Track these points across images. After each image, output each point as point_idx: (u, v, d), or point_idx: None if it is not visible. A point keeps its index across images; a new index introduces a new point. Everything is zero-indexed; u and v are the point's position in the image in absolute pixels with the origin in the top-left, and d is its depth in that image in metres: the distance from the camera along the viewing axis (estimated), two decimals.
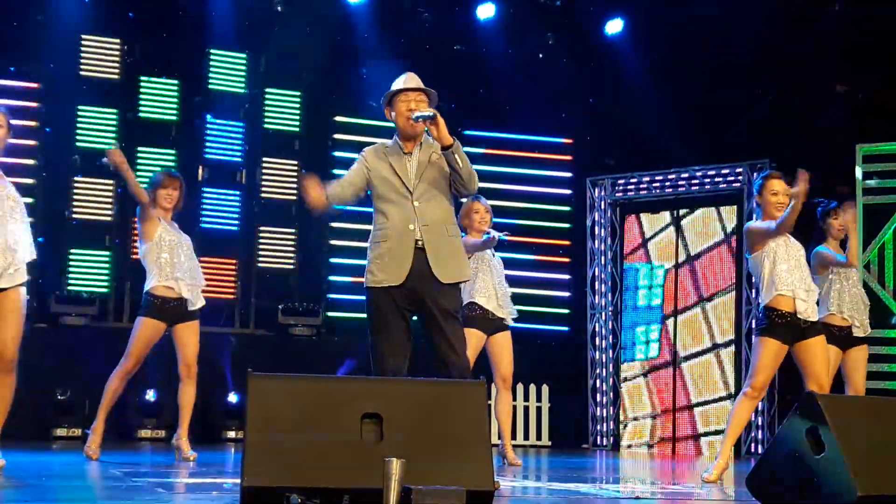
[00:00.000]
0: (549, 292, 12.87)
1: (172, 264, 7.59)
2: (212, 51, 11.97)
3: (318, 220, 12.25)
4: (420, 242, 5.26)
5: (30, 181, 11.06)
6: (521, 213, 12.22)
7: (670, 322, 12.14)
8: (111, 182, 11.47)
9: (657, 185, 12.39)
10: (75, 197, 11.38)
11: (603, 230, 12.73)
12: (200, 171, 11.89)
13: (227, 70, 12.07)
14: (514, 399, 12.33)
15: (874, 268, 10.83)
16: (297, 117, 12.30)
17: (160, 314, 7.57)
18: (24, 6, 11.22)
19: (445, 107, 12.80)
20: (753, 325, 11.43)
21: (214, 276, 11.64)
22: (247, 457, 4.11)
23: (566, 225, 13.13)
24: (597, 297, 12.71)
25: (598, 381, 12.62)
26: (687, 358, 12.04)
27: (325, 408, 4.26)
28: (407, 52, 12.42)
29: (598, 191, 12.75)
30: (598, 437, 12.54)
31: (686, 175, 12.17)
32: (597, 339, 12.68)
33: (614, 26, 12.81)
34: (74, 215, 11.37)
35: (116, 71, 11.63)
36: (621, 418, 12.35)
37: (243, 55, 12.10)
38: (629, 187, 12.60)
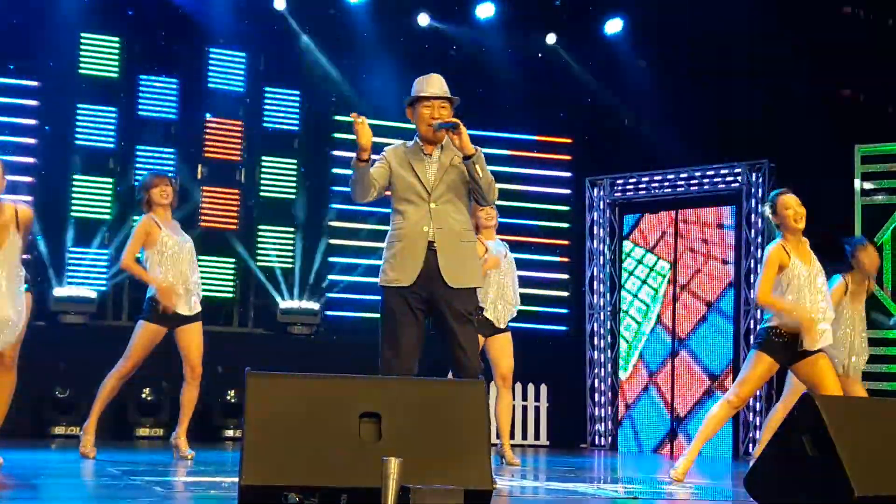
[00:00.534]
0: (547, 292, 12.86)
1: (173, 275, 7.53)
2: (211, 49, 11.97)
3: (320, 218, 12.29)
4: (433, 245, 5.25)
5: (29, 179, 11.06)
6: (520, 212, 12.21)
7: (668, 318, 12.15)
8: (110, 180, 11.48)
9: (656, 185, 12.40)
10: (74, 195, 11.37)
11: (602, 230, 12.74)
12: (199, 169, 11.88)
13: (226, 69, 12.06)
14: (513, 398, 12.33)
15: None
16: (296, 116, 12.30)
17: (161, 319, 7.55)
18: (24, 4, 11.21)
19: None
20: (752, 326, 11.46)
21: (213, 274, 11.64)
22: (245, 455, 4.11)
23: (565, 225, 13.13)
24: (595, 296, 12.72)
25: (596, 381, 12.63)
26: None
27: (324, 407, 4.26)
28: (406, 51, 12.43)
29: (597, 191, 12.76)
30: (597, 437, 12.54)
31: (685, 175, 12.17)
32: (595, 339, 12.69)
33: (614, 26, 12.81)
34: (73, 213, 11.36)
35: (116, 69, 11.63)
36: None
37: (242, 54, 12.10)
38: (628, 187, 12.60)
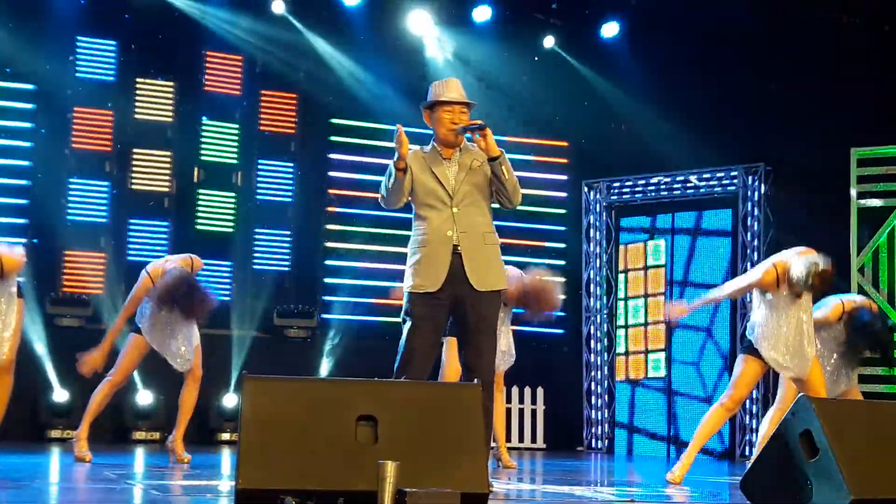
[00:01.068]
0: None
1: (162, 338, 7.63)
2: (207, 52, 11.97)
3: (316, 221, 12.29)
4: (458, 249, 5.24)
5: (24, 182, 11.05)
6: (516, 215, 12.21)
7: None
8: (106, 184, 11.47)
9: (652, 188, 12.41)
10: (70, 198, 11.37)
11: (598, 233, 12.74)
12: (196, 172, 11.88)
13: (222, 72, 12.06)
14: (509, 402, 12.34)
15: (868, 271, 10.86)
16: (293, 119, 12.30)
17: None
18: (20, 7, 11.20)
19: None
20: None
21: (210, 278, 11.63)
22: (241, 459, 4.11)
23: (561, 228, 13.13)
24: (592, 299, 12.72)
25: (592, 384, 12.63)
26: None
27: (320, 410, 4.26)
28: (402, 54, 12.43)
29: (594, 194, 12.77)
30: (593, 440, 12.54)
31: (681, 178, 12.18)
32: (591, 342, 12.69)
33: (611, 29, 12.82)
34: (69, 217, 11.35)
35: (112, 72, 11.63)
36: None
37: (239, 57, 12.10)
38: (624, 190, 12.61)
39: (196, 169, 11.89)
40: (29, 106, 11.26)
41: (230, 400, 11.06)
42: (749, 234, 11.56)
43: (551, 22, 12.88)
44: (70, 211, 11.36)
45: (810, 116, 11.14)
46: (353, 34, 12.37)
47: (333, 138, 12.42)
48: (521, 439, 12.40)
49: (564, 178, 13.15)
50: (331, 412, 4.24)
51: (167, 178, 11.67)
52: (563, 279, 13.09)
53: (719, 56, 11.75)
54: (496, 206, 5.46)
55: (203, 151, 11.92)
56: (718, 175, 11.94)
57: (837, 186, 10.95)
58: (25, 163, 11.18)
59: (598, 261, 12.71)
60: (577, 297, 12.89)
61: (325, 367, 11.81)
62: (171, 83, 11.84)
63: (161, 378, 7.96)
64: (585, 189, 12.81)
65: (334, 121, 12.45)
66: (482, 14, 12.61)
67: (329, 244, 12.31)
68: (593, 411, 12.58)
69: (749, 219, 11.60)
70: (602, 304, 12.67)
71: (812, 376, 7.02)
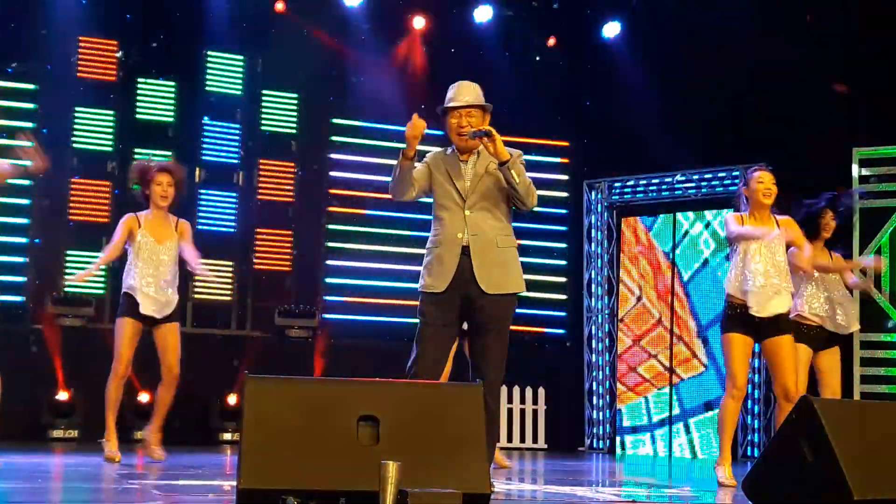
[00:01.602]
0: (545, 295, 12.86)
1: (146, 275, 7.65)
2: (209, 52, 11.97)
3: (317, 221, 12.29)
4: (468, 251, 5.25)
5: (26, 182, 11.04)
6: (517, 215, 12.19)
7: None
8: (108, 183, 11.47)
9: (654, 187, 12.40)
10: (72, 198, 11.37)
11: (599, 233, 12.74)
12: (197, 172, 11.87)
13: (224, 71, 12.06)
14: (511, 402, 12.34)
15: (870, 271, 10.84)
16: (294, 119, 12.31)
17: (135, 313, 7.67)
18: (22, 7, 11.20)
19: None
20: None
21: (211, 277, 11.63)
22: (243, 459, 4.11)
23: (563, 228, 13.13)
24: (593, 299, 12.72)
25: (594, 384, 12.62)
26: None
27: (322, 410, 4.26)
28: (404, 53, 12.43)
29: (595, 194, 12.76)
30: (595, 440, 12.54)
31: (682, 178, 12.18)
32: (593, 342, 12.69)
33: (611, 29, 12.82)
34: (71, 217, 11.36)
35: (113, 72, 11.63)
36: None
37: (240, 57, 12.10)
38: (626, 190, 12.61)
39: (197, 169, 11.89)
40: (31, 106, 11.26)
41: (231, 400, 11.05)
42: None
43: (552, 22, 12.87)
44: (72, 210, 11.36)
45: (812, 116, 11.12)
46: (355, 34, 12.37)
47: (335, 138, 12.43)
48: (522, 440, 12.40)
49: (565, 178, 13.15)
50: (332, 412, 4.24)
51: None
52: (564, 279, 13.13)
53: (720, 55, 11.74)
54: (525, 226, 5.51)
55: (204, 151, 11.92)
56: (720, 175, 11.94)
57: (838, 185, 10.93)
58: (27, 162, 11.16)
59: (599, 261, 12.70)
60: (578, 297, 12.89)
61: (326, 368, 11.80)
62: (172, 83, 11.84)
63: (158, 377, 7.95)
64: (587, 189, 12.80)
65: (336, 121, 12.45)
66: (483, 14, 12.61)
67: (330, 244, 12.30)
68: (594, 411, 12.57)
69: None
70: (604, 304, 12.66)
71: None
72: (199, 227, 11.62)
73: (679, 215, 12.24)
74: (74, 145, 11.43)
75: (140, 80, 11.73)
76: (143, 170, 7.92)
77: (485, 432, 4.46)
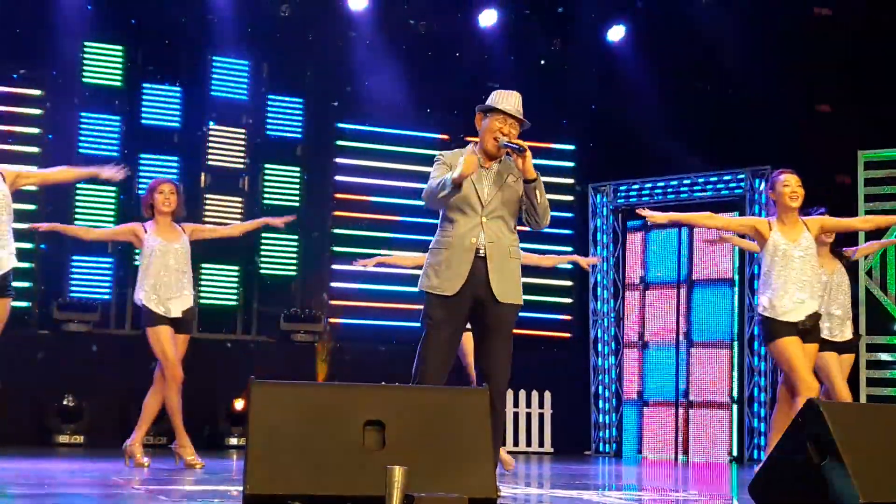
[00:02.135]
0: (551, 298, 12.86)
1: (155, 280, 7.68)
2: (214, 58, 11.99)
3: (323, 225, 12.30)
4: (483, 256, 5.24)
5: (32, 188, 11.05)
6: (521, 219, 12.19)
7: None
8: (113, 189, 11.48)
9: (659, 191, 12.40)
10: (77, 204, 11.38)
11: (605, 236, 12.74)
12: (203, 177, 11.89)
13: (229, 77, 12.08)
14: (517, 406, 12.33)
15: (876, 274, 10.85)
16: (300, 124, 12.32)
17: (160, 319, 7.67)
18: (28, 13, 11.22)
19: (449, 115, 12.78)
20: (756, 331, 11.45)
21: (217, 282, 11.65)
22: (249, 464, 4.11)
23: (568, 231, 13.12)
24: (599, 303, 12.71)
25: (600, 388, 12.61)
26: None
27: (327, 415, 4.26)
28: (409, 58, 12.44)
29: (601, 197, 12.76)
30: (601, 444, 12.53)
31: (688, 181, 12.17)
32: (599, 346, 12.68)
33: (616, 33, 12.82)
34: (76, 222, 11.35)
35: (119, 78, 11.65)
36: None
37: (245, 62, 12.11)
38: (631, 193, 12.61)
39: (203, 174, 11.90)
40: (37, 111, 11.28)
41: (238, 405, 11.06)
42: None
43: (557, 26, 12.87)
44: (77, 216, 11.36)
45: (817, 119, 11.12)
46: (360, 38, 12.38)
47: (340, 143, 12.44)
48: (528, 443, 12.39)
49: (571, 181, 13.15)
50: (338, 417, 4.24)
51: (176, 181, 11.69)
52: (570, 283, 13.13)
53: (725, 59, 11.74)
54: (522, 227, 5.48)
55: (210, 156, 11.93)
56: (725, 178, 11.93)
57: (845, 189, 10.94)
58: (33, 168, 11.18)
59: (605, 264, 12.69)
60: (584, 300, 12.89)
61: (331, 372, 11.80)
62: (177, 88, 11.86)
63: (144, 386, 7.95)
64: (592, 192, 12.80)
65: (341, 125, 12.46)
66: (488, 18, 12.61)
67: (336, 248, 12.31)
68: (601, 415, 12.56)
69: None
70: (609, 307, 12.66)
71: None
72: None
73: None
74: (80, 151, 11.45)
75: (145, 85, 11.75)
76: (149, 190, 8.00)
77: (491, 437, 4.46)
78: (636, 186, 12.53)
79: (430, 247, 5.40)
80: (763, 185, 11.53)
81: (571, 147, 13.21)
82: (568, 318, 13.14)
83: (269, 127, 12.21)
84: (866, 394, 10.59)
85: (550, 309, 12.83)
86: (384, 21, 12.36)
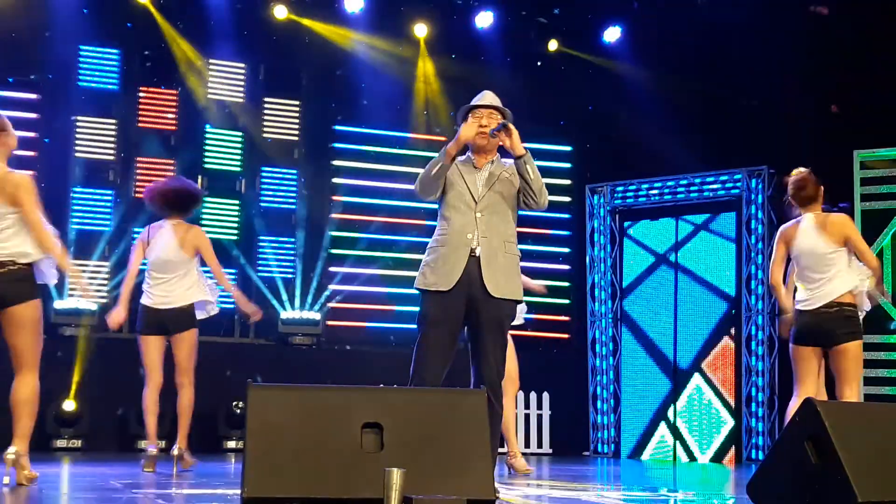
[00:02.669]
0: (548, 300, 12.84)
1: (159, 286, 7.70)
2: (210, 60, 11.99)
3: (321, 228, 12.29)
4: (476, 251, 5.27)
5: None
6: (520, 220, 12.18)
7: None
8: (110, 192, 11.48)
9: (656, 192, 12.41)
10: (74, 207, 11.38)
11: (602, 237, 12.74)
12: (200, 180, 11.88)
13: (225, 79, 12.08)
14: (515, 407, 12.31)
15: None
16: (297, 126, 12.32)
17: (150, 328, 7.69)
18: (23, 17, 11.21)
19: (447, 117, 12.77)
20: (753, 332, 11.46)
21: (214, 285, 11.63)
22: (247, 467, 4.11)
23: (566, 232, 13.13)
24: (597, 304, 12.71)
25: (598, 388, 12.62)
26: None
27: (325, 417, 4.26)
28: (406, 60, 12.45)
29: (598, 198, 12.77)
30: (599, 445, 12.53)
31: (685, 182, 12.18)
32: (597, 346, 12.68)
33: (613, 34, 12.83)
34: (73, 226, 11.37)
35: (115, 81, 11.65)
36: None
37: (242, 65, 12.11)
38: (628, 194, 12.61)
39: (199, 177, 11.89)
40: (32, 115, 11.27)
41: (236, 407, 11.05)
42: (753, 238, 11.55)
43: (553, 27, 12.88)
44: (74, 220, 11.37)
45: (813, 119, 11.13)
46: (356, 40, 12.38)
47: (337, 145, 12.44)
48: (527, 444, 12.39)
49: (568, 182, 13.16)
50: (336, 420, 4.24)
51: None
52: (567, 284, 13.13)
53: (721, 59, 11.75)
54: (522, 212, 5.51)
55: (206, 159, 11.93)
56: (722, 178, 11.94)
57: (840, 189, 10.94)
58: (29, 172, 11.16)
59: (602, 265, 12.70)
60: (582, 301, 12.89)
61: (329, 375, 11.79)
62: (174, 91, 11.86)
63: (166, 386, 7.94)
64: (589, 193, 12.81)
65: (338, 127, 12.47)
66: (484, 20, 12.62)
67: (334, 251, 12.31)
68: (599, 415, 12.57)
69: (753, 222, 11.59)
70: (607, 308, 12.66)
71: None
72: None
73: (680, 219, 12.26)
74: (76, 154, 11.45)
75: (142, 88, 11.75)
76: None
77: (489, 438, 4.46)
78: (633, 187, 12.54)
79: (428, 246, 5.44)
80: (759, 185, 11.54)
81: (568, 148, 13.21)
82: (566, 319, 13.14)
83: (265, 129, 12.21)
84: (864, 393, 10.59)
85: (548, 310, 12.83)
86: (381, 22, 12.36)
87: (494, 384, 5.25)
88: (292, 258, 12.15)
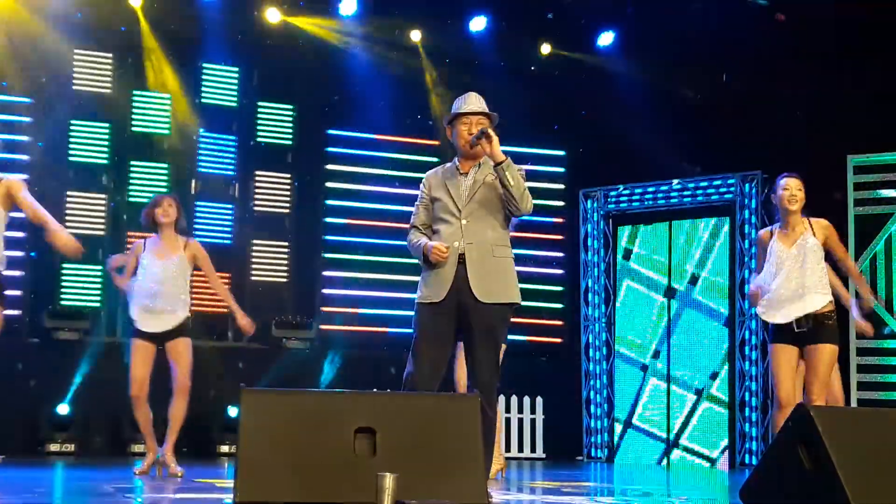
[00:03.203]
0: (542, 304, 12.86)
1: (145, 291, 7.71)
2: (204, 65, 11.99)
3: (314, 232, 12.29)
4: (463, 259, 5.27)
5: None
6: (513, 224, 12.18)
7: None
8: (104, 196, 11.47)
9: (650, 196, 12.42)
10: (68, 211, 11.36)
11: (596, 242, 12.75)
12: (193, 184, 11.88)
13: (219, 84, 12.07)
14: (509, 412, 12.33)
15: (866, 277, 10.86)
16: (290, 130, 12.32)
17: (142, 335, 7.69)
18: (17, 21, 11.19)
19: (439, 121, 12.79)
20: (747, 336, 11.48)
21: (208, 290, 11.60)
22: (239, 472, 4.11)
23: (559, 237, 13.13)
24: (590, 308, 12.72)
25: (591, 393, 12.62)
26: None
27: (319, 422, 4.25)
28: (400, 64, 12.45)
29: (591, 202, 12.78)
30: (593, 449, 12.53)
31: (678, 186, 12.19)
32: (590, 351, 12.69)
33: (606, 39, 12.84)
34: (67, 230, 11.31)
35: (109, 85, 11.64)
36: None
37: (236, 69, 12.11)
38: (622, 199, 12.62)
39: (193, 181, 11.89)
40: (26, 119, 11.26)
41: (230, 412, 11.04)
42: (746, 242, 11.57)
43: (547, 31, 12.89)
44: (68, 223, 11.32)
45: (806, 124, 11.15)
46: (350, 45, 12.38)
47: (330, 149, 12.43)
48: (520, 449, 12.39)
49: (561, 187, 13.16)
50: (329, 424, 4.24)
51: (164, 190, 11.68)
52: (560, 288, 13.13)
53: (714, 64, 11.77)
54: (516, 234, 5.51)
55: (200, 163, 11.92)
56: (715, 183, 11.95)
57: (835, 193, 10.96)
58: (23, 176, 11.15)
59: (595, 269, 12.70)
60: (575, 306, 12.89)
61: (323, 379, 11.79)
62: (167, 95, 11.85)
63: (158, 391, 7.93)
64: (582, 198, 12.82)
65: (331, 132, 12.46)
66: (478, 24, 12.63)
67: (327, 255, 12.30)
68: (593, 420, 12.57)
69: (746, 226, 11.61)
70: (600, 312, 12.67)
71: None
72: (195, 239, 11.61)
73: (674, 223, 12.26)
74: (70, 158, 11.44)
75: (135, 92, 11.74)
76: (150, 205, 8.04)
77: (482, 443, 4.45)
78: (626, 192, 12.55)
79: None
80: (753, 189, 11.56)
81: (562, 152, 13.22)
82: (559, 323, 13.14)
83: (259, 133, 12.21)
84: (857, 397, 10.61)
85: (542, 314, 12.83)
86: (374, 26, 12.36)
87: (484, 390, 5.24)
88: (286, 262, 12.14)
